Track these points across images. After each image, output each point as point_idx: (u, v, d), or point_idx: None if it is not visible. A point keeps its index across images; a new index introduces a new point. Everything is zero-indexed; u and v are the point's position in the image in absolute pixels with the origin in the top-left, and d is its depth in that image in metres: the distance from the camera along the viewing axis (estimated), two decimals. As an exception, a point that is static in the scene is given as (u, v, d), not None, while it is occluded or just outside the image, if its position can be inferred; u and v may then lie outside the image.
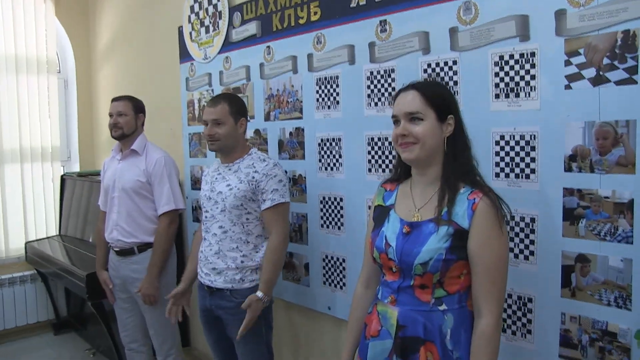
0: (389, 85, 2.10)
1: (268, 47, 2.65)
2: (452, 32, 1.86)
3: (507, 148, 1.73)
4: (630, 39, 1.45)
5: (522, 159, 1.69)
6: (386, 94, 2.11)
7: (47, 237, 4.27)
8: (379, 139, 2.16)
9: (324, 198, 2.43)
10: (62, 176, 4.38)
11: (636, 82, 1.44)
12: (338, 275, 2.40)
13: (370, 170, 2.21)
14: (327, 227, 2.43)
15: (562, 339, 1.64)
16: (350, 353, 1.64)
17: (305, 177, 2.51)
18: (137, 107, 2.80)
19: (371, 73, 2.16)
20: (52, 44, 4.40)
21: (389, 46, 2.08)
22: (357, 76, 2.22)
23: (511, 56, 1.70)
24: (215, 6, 2.99)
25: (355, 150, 2.26)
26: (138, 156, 2.73)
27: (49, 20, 4.36)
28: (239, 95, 2.73)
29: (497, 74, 1.74)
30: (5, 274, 4.12)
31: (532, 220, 1.68)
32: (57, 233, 4.35)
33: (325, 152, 2.40)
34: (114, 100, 2.79)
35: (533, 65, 1.65)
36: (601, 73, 1.51)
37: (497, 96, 1.75)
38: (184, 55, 3.32)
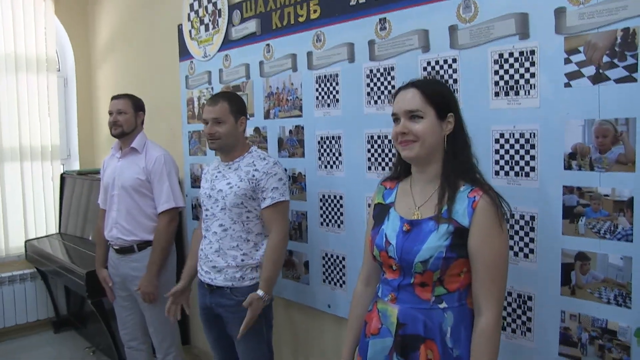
0: (389, 83, 2.10)
1: (268, 45, 2.65)
2: (452, 30, 1.86)
3: (507, 146, 1.73)
4: (630, 37, 1.45)
5: (522, 157, 1.69)
6: (386, 92, 2.11)
7: (47, 236, 4.28)
8: (379, 137, 2.16)
9: (323, 196, 2.43)
10: (62, 174, 4.39)
11: (636, 80, 1.44)
12: (338, 273, 2.40)
13: (370, 168, 2.21)
14: (327, 225, 2.43)
15: (561, 337, 1.64)
16: (350, 351, 1.64)
17: (304, 175, 2.51)
18: (137, 105, 2.80)
19: (371, 71, 2.16)
20: (51, 42, 4.40)
21: (388, 44, 2.08)
22: (356, 74, 2.22)
23: (511, 54, 1.70)
24: (214, 4, 2.99)
25: (354, 149, 2.26)
26: (138, 154, 2.73)
27: (48, 19, 4.36)
28: (239, 93, 2.72)
29: (496, 72, 1.74)
30: (5, 272, 4.12)
31: (532, 218, 1.68)
32: (57, 231, 4.35)
33: (324, 150, 2.40)
34: (114, 98, 2.79)
35: (533, 63, 1.65)
36: (601, 71, 1.51)
37: (496, 94, 1.75)
38: (184, 53, 3.31)
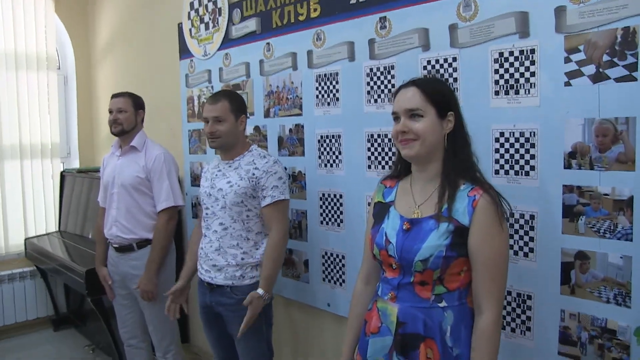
0: (389, 82, 2.10)
1: (268, 43, 2.65)
2: (452, 29, 1.86)
3: (507, 145, 1.73)
4: (630, 36, 1.45)
5: (522, 156, 1.69)
6: (386, 91, 2.11)
7: (47, 234, 4.28)
8: (379, 135, 2.16)
9: (323, 195, 2.43)
10: (61, 172, 4.39)
11: (636, 79, 1.44)
12: (338, 272, 2.40)
13: (370, 167, 2.21)
14: (327, 223, 2.43)
15: (561, 336, 1.64)
16: (350, 350, 1.64)
17: (304, 174, 2.51)
18: (137, 103, 2.80)
19: (371, 70, 2.16)
20: (51, 40, 4.40)
21: (388, 43, 2.08)
22: (356, 73, 2.21)
23: (511, 53, 1.70)
24: (214, 3, 2.98)
25: (354, 147, 2.26)
26: (137, 152, 2.73)
27: (48, 17, 4.35)
28: (239, 92, 2.72)
29: (496, 71, 1.74)
30: (4, 270, 4.13)
31: (532, 217, 1.68)
32: (57, 229, 4.35)
33: (324, 149, 2.40)
34: (114, 96, 2.79)
35: (533, 62, 1.65)
36: (601, 70, 1.51)
37: (496, 93, 1.75)
38: (184, 51, 3.31)
